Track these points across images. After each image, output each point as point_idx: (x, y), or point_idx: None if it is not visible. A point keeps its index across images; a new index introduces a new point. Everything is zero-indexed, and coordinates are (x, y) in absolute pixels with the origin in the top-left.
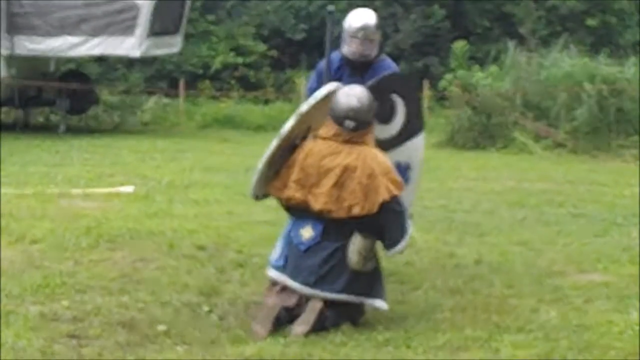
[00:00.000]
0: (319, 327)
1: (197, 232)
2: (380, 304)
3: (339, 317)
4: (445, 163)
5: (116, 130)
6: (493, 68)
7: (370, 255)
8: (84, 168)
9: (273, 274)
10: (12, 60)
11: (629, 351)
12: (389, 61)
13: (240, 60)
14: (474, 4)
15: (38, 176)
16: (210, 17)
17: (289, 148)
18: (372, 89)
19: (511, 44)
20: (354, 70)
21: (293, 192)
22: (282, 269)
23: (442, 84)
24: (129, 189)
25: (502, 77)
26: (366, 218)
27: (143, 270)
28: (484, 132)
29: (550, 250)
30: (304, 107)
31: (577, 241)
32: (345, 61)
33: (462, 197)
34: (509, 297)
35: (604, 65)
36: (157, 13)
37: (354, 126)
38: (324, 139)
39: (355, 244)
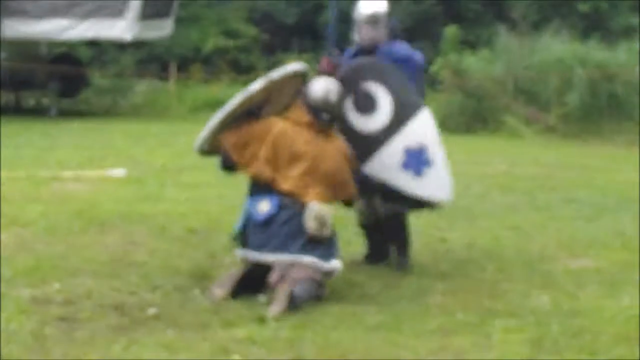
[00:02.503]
0: (292, 307)
1: (188, 216)
2: (335, 264)
3: (305, 294)
4: None
5: (107, 113)
6: (485, 52)
7: (326, 221)
8: (76, 151)
9: (239, 252)
10: (3, 43)
11: (620, 336)
12: (398, 45)
13: (231, 43)
14: None
15: (30, 159)
16: (201, 1)
17: (246, 112)
18: (343, 81)
19: (503, 29)
20: (367, 56)
21: (262, 168)
22: (245, 244)
23: (434, 68)
24: (120, 172)
25: (493, 61)
26: None
27: (134, 254)
28: (475, 117)
29: (542, 235)
30: (276, 74)
31: (569, 226)
32: (359, 48)
33: (454, 181)
34: (500, 282)
35: (596, 50)
36: None
37: (329, 119)
38: (298, 124)
39: (312, 211)
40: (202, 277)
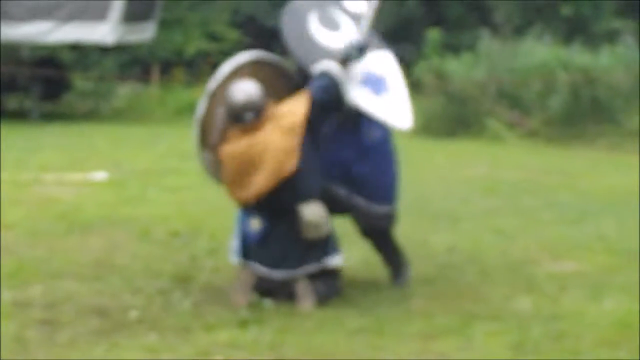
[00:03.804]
0: (319, 297)
1: (170, 219)
2: (337, 260)
3: (327, 289)
4: (419, 151)
5: (90, 116)
6: (467, 56)
7: (321, 220)
8: (58, 154)
9: (239, 260)
10: None
11: (602, 340)
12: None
13: (214, 46)
14: None
15: (12, 162)
16: (185, 3)
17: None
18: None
19: (485, 33)
20: None
21: (237, 193)
22: (244, 257)
23: (416, 71)
24: (102, 175)
25: (476, 65)
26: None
27: (116, 257)
28: (457, 121)
29: (524, 239)
30: (213, 82)
31: (551, 230)
32: None
33: (436, 185)
34: (482, 285)
35: (578, 54)
36: None
37: (253, 115)
38: (233, 138)
39: (303, 216)
40: (184, 281)
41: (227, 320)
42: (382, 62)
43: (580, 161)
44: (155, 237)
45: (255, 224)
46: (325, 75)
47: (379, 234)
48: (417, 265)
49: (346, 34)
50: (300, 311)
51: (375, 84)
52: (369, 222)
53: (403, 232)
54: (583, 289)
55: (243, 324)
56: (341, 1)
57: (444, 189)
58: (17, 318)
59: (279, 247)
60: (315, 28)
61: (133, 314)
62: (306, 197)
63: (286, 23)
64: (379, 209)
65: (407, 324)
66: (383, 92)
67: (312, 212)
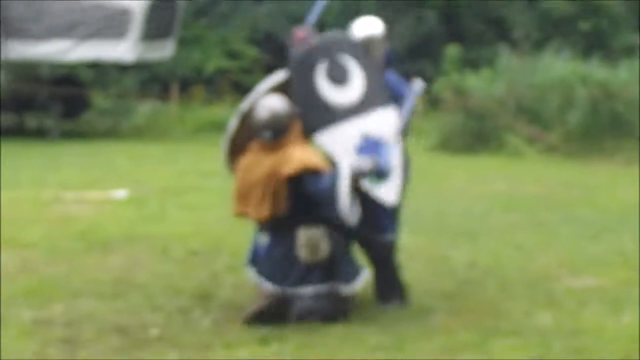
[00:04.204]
0: (321, 316)
1: (190, 237)
2: (347, 288)
3: (330, 307)
4: (439, 167)
5: (109, 134)
6: (486, 72)
7: (317, 245)
8: (78, 173)
9: (251, 274)
10: (6, 64)
11: (622, 355)
12: (389, 75)
13: (233, 64)
14: (467, 8)
15: (31, 181)
16: (203, 21)
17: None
18: (319, 48)
19: (504, 48)
20: None
21: (242, 208)
22: (256, 270)
23: (435, 87)
24: (122, 193)
25: (495, 81)
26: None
27: (136, 275)
28: (477, 136)
29: (544, 254)
30: (245, 104)
31: (571, 245)
32: None
33: (455, 201)
34: (503, 301)
35: (597, 69)
36: (149, 17)
37: (271, 135)
38: (252, 152)
39: (300, 239)
40: (204, 298)
41: (247, 337)
42: (384, 123)
43: (599, 176)
44: (175, 254)
45: (264, 240)
46: (331, 186)
47: (382, 260)
48: (437, 281)
49: (356, 86)
50: (320, 328)
51: (371, 151)
52: (371, 252)
53: (423, 248)
54: (603, 303)
55: (263, 340)
56: (350, 40)
57: (463, 204)
58: (38, 337)
59: (282, 263)
60: (323, 85)
61: (153, 332)
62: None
63: (293, 79)
64: (381, 238)
65: (428, 340)
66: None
67: (310, 235)
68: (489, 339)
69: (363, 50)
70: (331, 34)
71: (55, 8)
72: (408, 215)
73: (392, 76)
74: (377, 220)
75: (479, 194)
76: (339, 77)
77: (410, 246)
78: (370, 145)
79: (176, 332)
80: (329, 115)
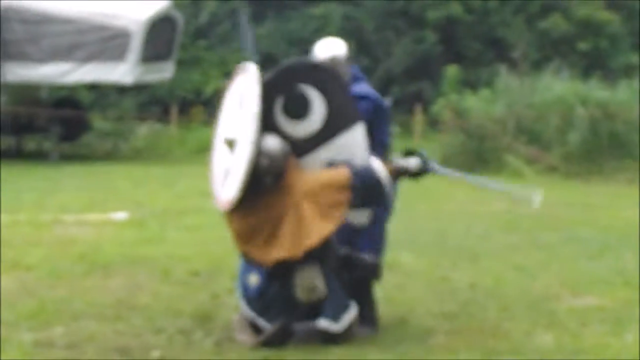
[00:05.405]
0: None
1: (191, 258)
2: (332, 327)
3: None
4: (438, 187)
5: (109, 157)
6: (485, 92)
7: (314, 286)
8: (78, 195)
9: (243, 308)
10: (4, 87)
11: None
12: (357, 86)
13: None
14: (466, 29)
15: (31, 203)
16: (203, 43)
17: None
18: (273, 82)
19: (503, 68)
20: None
21: (242, 246)
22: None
23: (435, 108)
24: (122, 215)
25: (494, 101)
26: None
27: (137, 297)
28: (476, 156)
29: (545, 274)
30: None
31: (571, 265)
32: None
33: (456, 221)
34: (504, 321)
35: (596, 89)
36: (148, 39)
37: (272, 180)
38: (254, 191)
39: (299, 281)
40: (205, 320)
41: (249, 358)
42: (350, 145)
43: (599, 196)
44: (176, 276)
45: (253, 280)
46: (371, 175)
47: (361, 284)
48: (438, 301)
49: (317, 116)
50: (321, 349)
51: None
52: (356, 273)
53: (424, 269)
54: (604, 323)
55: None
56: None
57: (463, 225)
58: (39, 359)
59: (276, 302)
60: (282, 121)
61: (155, 354)
62: (310, 260)
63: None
64: (368, 259)
65: None
66: None
67: (307, 276)
68: (491, 359)
69: (324, 72)
70: (286, 63)
71: (54, 30)
72: (409, 236)
73: (362, 85)
74: (356, 239)
75: (479, 214)
76: (297, 111)
77: (411, 267)
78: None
79: (178, 353)
80: (293, 149)
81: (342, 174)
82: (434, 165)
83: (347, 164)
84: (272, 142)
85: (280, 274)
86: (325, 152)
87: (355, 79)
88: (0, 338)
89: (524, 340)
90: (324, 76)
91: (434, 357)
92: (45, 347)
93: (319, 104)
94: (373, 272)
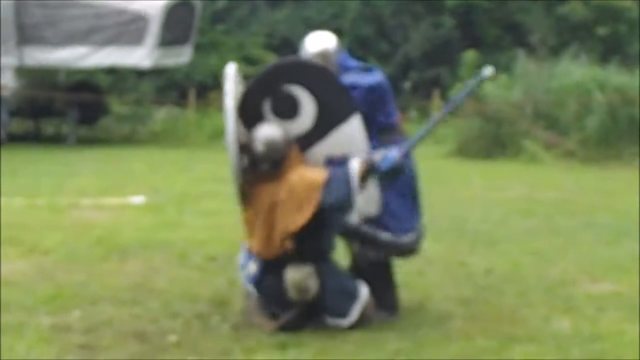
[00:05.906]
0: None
1: (208, 243)
2: (336, 322)
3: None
4: (456, 173)
5: (127, 141)
6: (503, 77)
7: (306, 286)
8: (95, 179)
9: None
10: (22, 71)
11: None
12: (345, 76)
13: (250, 70)
14: (484, 14)
15: (49, 187)
16: (220, 27)
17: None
18: (260, 84)
19: (521, 53)
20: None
21: (246, 236)
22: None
23: (453, 93)
24: (139, 199)
25: (512, 86)
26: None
27: (154, 281)
28: (494, 142)
29: (562, 260)
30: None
31: (589, 250)
32: None
33: (473, 207)
34: (521, 307)
35: (615, 74)
36: (166, 23)
37: (269, 166)
38: (256, 179)
39: (288, 280)
40: (222, 304)
41: (266, 343)
42: (347, 138)
43: (617, 181)
44: (193, 261)
45: (252, 268)
46: (345, 181)
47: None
48: (455, 286)
49: (307, 114)
50: (339, 333)
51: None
52: (395, 254)
53: (441, 254)
54: (621, 309)
55: (282, 346)
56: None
57: (481, 210)
58: (57, 343)
59: (272, 292)
60: (272, 122)
61: (172, 338)
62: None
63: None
64: (405, 238)
65: (446, 346)
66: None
67: (298, 275)
68: (507, 345)
69: (311, 69)
70: (272, 64)
71: (71, 14)
72: (426, 222)
73: (349, 75)
74: (380, 218)
75: (497, 199)
76: (286, 111)
77: (428, 252)
78: (337, 165)
79: (195, 338)
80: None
81: (318, 178)
82: (392, 154)
83: (327, 171)
84: (268, 129)
85: (274, 269)
86: (322, 149)
87: (346, 69)
88: (18, 322)
89: (541, 326)
90: (311, 73)
91: (450, 342)
92: (63, 331)
93: (308, 102)
94: (412, 249)
